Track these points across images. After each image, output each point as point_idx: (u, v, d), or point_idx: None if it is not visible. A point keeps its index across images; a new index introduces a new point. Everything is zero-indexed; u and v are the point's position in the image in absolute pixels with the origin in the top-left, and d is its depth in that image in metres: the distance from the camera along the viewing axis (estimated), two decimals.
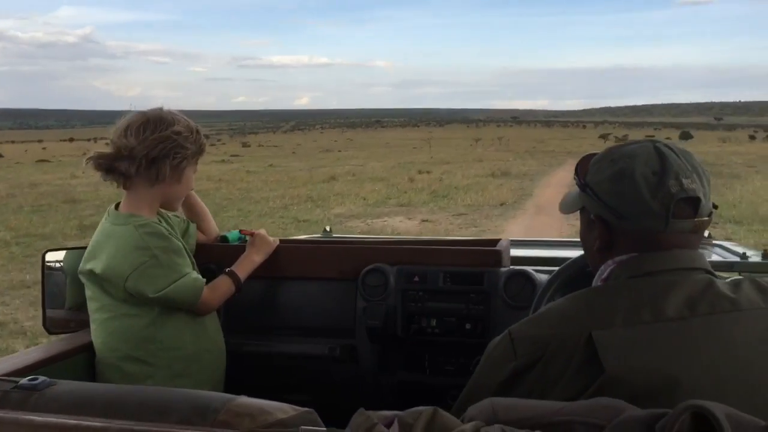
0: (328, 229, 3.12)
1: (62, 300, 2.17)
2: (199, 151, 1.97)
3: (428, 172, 24.94)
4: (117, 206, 1.99)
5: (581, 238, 1.33)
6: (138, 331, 1.93)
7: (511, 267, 2.16)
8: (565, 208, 1.38)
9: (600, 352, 1.06)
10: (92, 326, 1.98)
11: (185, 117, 1.96)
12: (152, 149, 1.86)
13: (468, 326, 2.12)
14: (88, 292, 1.98)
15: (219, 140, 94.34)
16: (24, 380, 1.08)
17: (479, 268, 2.15)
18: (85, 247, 2.01)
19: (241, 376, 2.20)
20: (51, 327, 2.14)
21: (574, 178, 1.30)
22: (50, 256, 2.15)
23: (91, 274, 1.92)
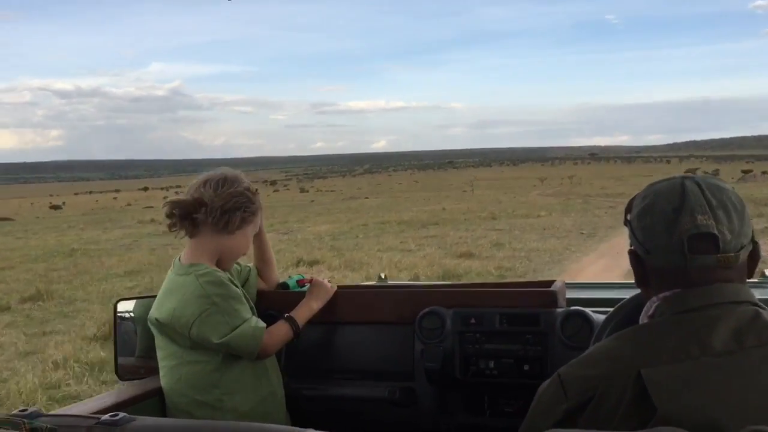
0: (382, 276, 3.08)
1: (133, 348, 2.27)
2: (259, 208, 2.10)
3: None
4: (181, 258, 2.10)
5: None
6: (203, 377, 2.00)
7: (568, 308, 2.13)
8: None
9: (651, 390, 1.05)
10: (161, 372, 2.07)
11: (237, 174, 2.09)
12: (227, 202, 2.00)
13: (526, 367, 2.10)
14: (156, 341, 2.07)
15: (285, 186, 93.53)
16: (105, 416, 1.19)
17: (535, 309, 2.14)
18: (154, 296, 2.11)
19: (302, 419, 2.21)
20: (122, 374, 2.22)
21: (624, 215, 1.32)
22: (122, 306, 2.25)
23: (158, 323, 2.01)
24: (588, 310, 2.08)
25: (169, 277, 2.06)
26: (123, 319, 2.25)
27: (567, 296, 2.25)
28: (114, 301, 2.27)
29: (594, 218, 23.03)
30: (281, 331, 2.10)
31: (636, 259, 1.25)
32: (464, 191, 52.50)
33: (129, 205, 61.54)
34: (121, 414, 1.18)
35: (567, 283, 2.36)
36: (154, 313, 2.03)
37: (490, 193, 48.84)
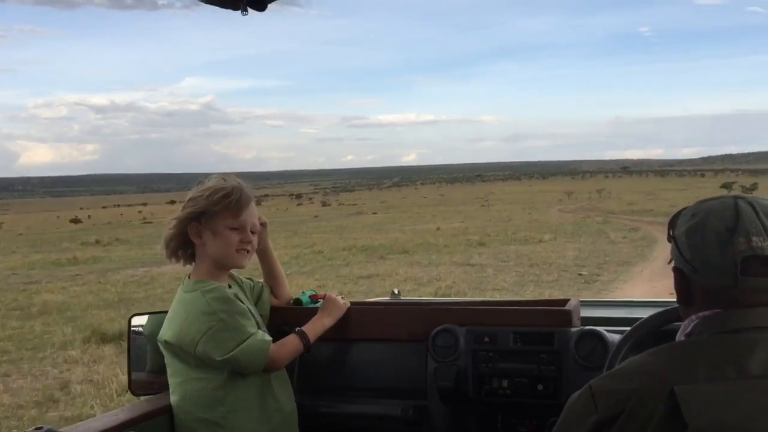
0: (396, 291, 3.01)
1: (145, 363, 2.27)
2: (223, 210, 2.00)
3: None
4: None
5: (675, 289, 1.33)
6: (208, 394, 1.99)
7: (582, 327, 2.11)
8: (670, 256, 1.38)
9: (683, 406, 1.04)
10: (170, 389, 2.07)
11: (224, 179, 2.08)
12: (186, 215, 2.02)
13: (540, 387, 2.09)
14: (165, 358, 2.07)
15: (310, 200, 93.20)
16: None
17: (549, 328, 2.11)
18: (166, 312, 2.11)
19: None
20: (135, 389, 2.23)
21: (668, 230, 1.31)
22: (135, 321, 2.25)
23: (165, 343, 2.02)
24: (602, 329, 2.05)
25: (177, 294, 2.07)
26: (137, 334, 2.25)
27: (582, 315, 2.21)
28: (129, 316, 2.28)
29: (607, 246, 18.86)
30: (291, 344, 2.09)
31: (681, 276, 1.23)
32: (482, 206, 50.81)
33: (130, 221, 61.44)
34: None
35: (582, 302, 2.32)
36: (163, 334, 2.03)
37: (507, 208, 47.33)
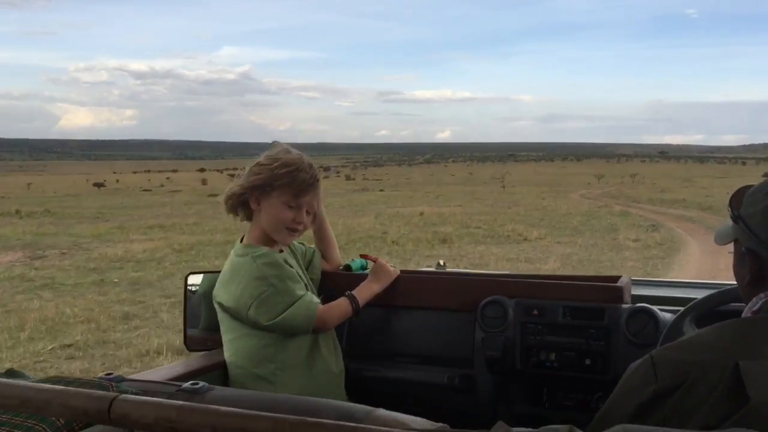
0: (441, 263, 2.98)
1: (200, 320, 2.33)
2: (287, 185, 2.02)
3: None
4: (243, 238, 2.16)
5: (734, 270, 1.31)
6: (259, 351, 2.05)
7: (634, 304, 2.10)
8: (719, 239, 1.35)
9: (747, 382, 1.04)
10: (224, 346, 2.12)
11: (290, 151, 2.09)
12: (247, 182, 2.06)
13: (588, 362, 2.09)
14: (218, 315, 2.13)
15: (337, 173, 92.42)
16: (186, 384, 1.24)
17: (600, 304, 2.11)
18: (219, 271, 2.17)
19: (362, 399, 2.16)
20: (191, 345, 2.29)
21: (728, 209, 1.29)
22: (191, 279, 2.30)
23: (219, 304, 2.09)
24: (655, 308, 2.04)
25: (230, 256, 2.11)
26: (192, 292, 2.29)
27: (633, 293, 2.21)
28: (186, 274, 2.31)
29: (608, 253, 14.01)
30: (341, 306, 2.13)
31: (754, 257, 1.21)
32: (502, 186, 48.13)
33: (162, 185, 60.36)
34: (201, 383, 1.24)
35: (633, 280, 2.32)
36: (217, 295, 2.08)
37: (526, 191, 43.07)
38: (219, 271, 2.18)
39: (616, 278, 2.23)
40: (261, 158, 2.08)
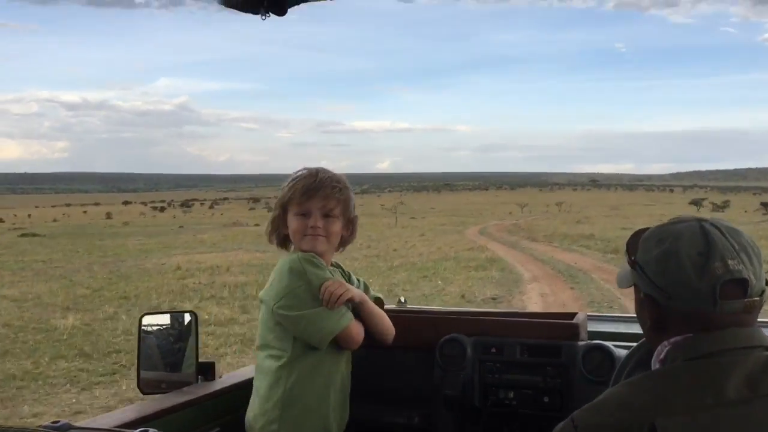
0: (402, 300, 2.97)
1: (155, 362, 2.28)
2: (292, 198, 2.02)
3: None
4: None
5: (636, 314, 1.32)
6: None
7: (589, 341, 2.13)
8: (620, 282, 1.36)
9: None
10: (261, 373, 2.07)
11: (304, 170, 2.08)
12: (272, 218, 2.11)
13: (546, 399, 2.10)
14: (264, 327, 2.06)
15: (266, 205, 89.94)
16: (139, 431, 1.22)
17: (557, 341, 2.13)
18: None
19: None
20: (144, 388, 2.22)
21: (625, 255, 1.30)
22: (146, 320, 2.26)
23: (264, 303, 2.04)
24: (610, 344, 2.07)
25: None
26: (146, 333, 2.24)
27: (589, 329, 2.23)
28: (140, 315, 2.28)
29: None
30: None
31: (652, 304, 1.21)
32: (413, 218, 45.88)
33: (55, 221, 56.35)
34: (152, 430, 1.21)
35: (589, 316, 2.34)
36: (263, 294, 2.04)
37: (420, 224, 41.53)
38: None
39: (572, 315, 2.25)
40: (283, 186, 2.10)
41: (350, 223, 2.08)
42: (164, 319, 2.30)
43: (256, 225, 42.31)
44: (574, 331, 2.13)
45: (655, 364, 1.21)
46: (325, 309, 1.93)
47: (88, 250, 26.57)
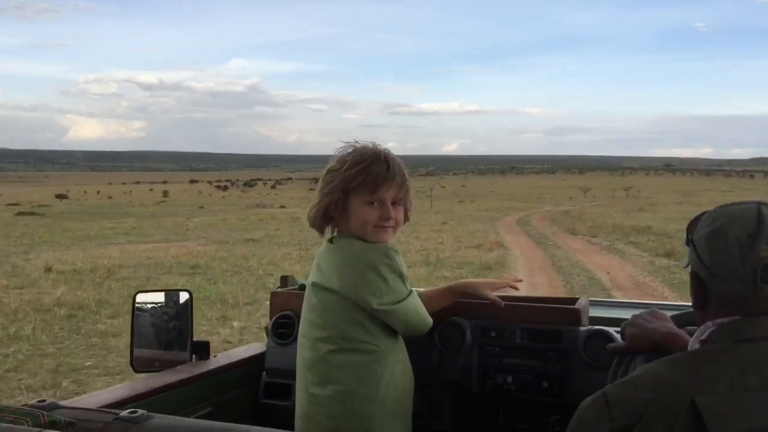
0: None
1: (149, 340, 2.25)
2: (362, 184, 1.84)
3: None
4: None
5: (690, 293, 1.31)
6: (365, 367, 1.92)
7: (591, 327, 2.10)
8: (685, 261, 1.34)
9: (706, 418, 1.04)
10: (306, 364, 1.95)
11: (360, 146, 1.91)
12: (325, 197, 1.90)
13: (545, 384, 2.08)
14: (316, 316, 1.94)
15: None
16: (124, 412, 1.18)
17: (557, 326, 2.11)
18: (178, 290, 2.27)
19: None
20: (137, 366, 2.19)
21: (686, 234, 1.30)
22: (140, 298, 2.23)
23: (330, 291, 1.91)
24: (611, 329, 2.03)
25: (327, 249, 1.97)
26: (141, 311, 2.22)
27: (591, 314, 2.20)
28: (134, 293, 2.25)
29: None
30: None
31: (698, 281, 1.22)
32: (461, 201, 43.66)
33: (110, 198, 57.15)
34: (140, 411, 1.18)
35: (591, 301, 2.31)
36: (327, 281, 1.90)
37: (460, 209, 38.22)
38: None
39: (574, 300, 2.22)
40: (332, 162, 1.90)
41: (408, 210, 1.99)
42: (159, 297, 2.27)
43: (281, 207, 40.86)
44: (575, 316, 2.10)
45: (694, 345, 1.20)
46: (414, 295, 1.90)
47: (29, 234, 23.38)
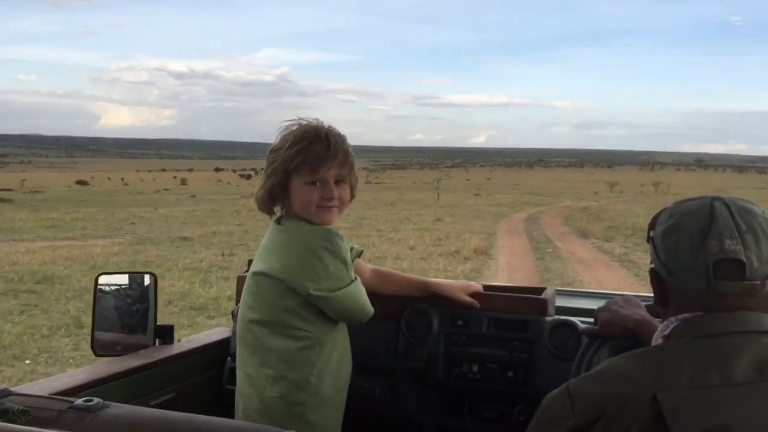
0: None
1: (111, 323, 2.22)
2: (302, 164, 1.80)
3: None
4: None
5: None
6: (297, 352, 1.89)
7: (557, 317, 2.10)
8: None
9: (667, 414, 1.04)
10: (243, 347, 1.92)
11: (303, 123, 1.86)
12: (268, 178, 1.88)
13: (510, 374, 2.08)
14: (256, 299, 1.91)
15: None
16: (79, 401, 1.14)
17: (524, 316, 2.10)
18: (136, 272, 2.21)
19: None
20: (98, 349, 2.15)
21: (648, 231, 1.30)
22: (102, 279, 2.19)
23: (267, 276, 1.87)
24: (577, 320, 2.02)
25: (275, 231, 1.92)
26: (102, 292, 2.18)
27: (558, 304, 2.20)
28: (96, 275, 2.20)
29: None
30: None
31: (657, 278, 1.22)
32: (477, 194, 42.78)
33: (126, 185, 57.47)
34: (96, 399, 1.14)
35: (558, 291, 2.31)
36: (266, 266, 1.86)
37: (472, 203, 35.63)
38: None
39: (541, 290, 2.21)
40: (275, 141, 1.86)
41: (353, 187, 1.92)
42: (122, 279, 2.23)
43: None
44: (541, 306, 2.09)
45: (657, 340, 1.20)
46: (356, 282, 1.85)
47: None
